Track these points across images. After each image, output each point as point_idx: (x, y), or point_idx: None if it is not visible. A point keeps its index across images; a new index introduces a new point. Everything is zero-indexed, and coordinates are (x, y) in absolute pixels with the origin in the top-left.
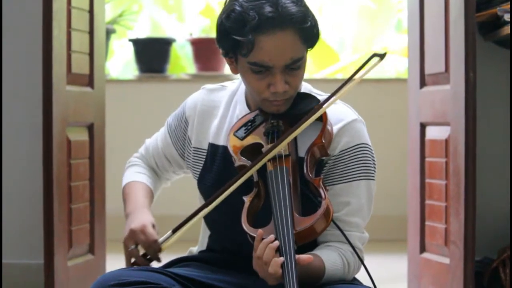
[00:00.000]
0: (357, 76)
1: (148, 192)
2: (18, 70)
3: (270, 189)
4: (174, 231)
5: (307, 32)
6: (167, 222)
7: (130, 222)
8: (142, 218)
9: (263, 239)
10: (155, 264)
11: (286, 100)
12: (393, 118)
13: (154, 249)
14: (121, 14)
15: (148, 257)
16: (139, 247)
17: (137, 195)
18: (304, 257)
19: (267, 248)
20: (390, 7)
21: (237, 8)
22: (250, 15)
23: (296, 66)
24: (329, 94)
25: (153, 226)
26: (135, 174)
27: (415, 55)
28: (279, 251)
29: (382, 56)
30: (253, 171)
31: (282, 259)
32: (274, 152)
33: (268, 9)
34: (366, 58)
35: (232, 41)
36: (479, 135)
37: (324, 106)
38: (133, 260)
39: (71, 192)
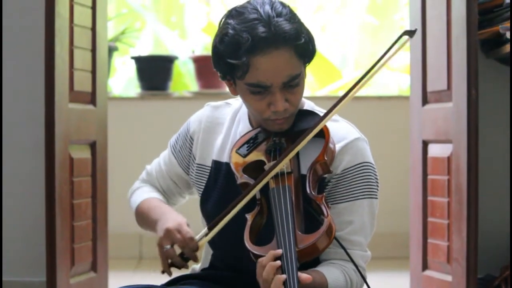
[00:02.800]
0: (386, 57)
1: (166, 203)
2: (20, 88)
3: (272, 206)
4: (210, 228)
5: (302, 48)
6: None
7: (164, 223)
8: (176, 217)
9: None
10: (157, 281)
11: (287, 118)
12: (395, 135)
13: (191, 248)
14: (123, 31)
15: (185, 256)
16: (175, 247)
17: (159, 205)
18: (304, 276)
19: (267, 265)
20: (393, 24)
21: (230, 31)
22: (243, 37)
23: (294, 83)
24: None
25: (188, 224)
26: (147, 193)
27: (418, 72)
28: (281, 269)
29: (412, 33)
30: (256, 191)
31: (284, 276)
32: (277, 169)
33: (261, 29)
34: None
35: (227, 64)
36: (481, 152)
37: (327, 117)
38: (169, 261)
39: (74, 210)
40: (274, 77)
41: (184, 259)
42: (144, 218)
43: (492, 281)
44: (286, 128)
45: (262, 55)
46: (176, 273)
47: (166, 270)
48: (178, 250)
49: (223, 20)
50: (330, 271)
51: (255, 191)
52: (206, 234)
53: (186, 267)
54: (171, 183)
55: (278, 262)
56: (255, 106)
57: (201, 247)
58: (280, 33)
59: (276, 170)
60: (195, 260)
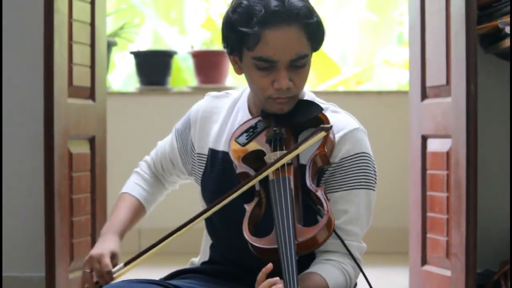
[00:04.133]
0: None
1: (134, 210)
2: (19, 83)
3: (272, 198)
4: (126, 264)
5: (313, 28)
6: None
7: (95, 246)
8: (104, 246)
9: (268, 275)
10: (156, 276)
11: (289, 98)
12: (394, 130)
13: (105, 279)
14: (122, 26)
15: (99, 285)
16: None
17: (118, 215)
18: None
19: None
20: (392, 20)
21: (244, 2)
22: (256, 8)
23: (300, 63)
24: (330, 103)
25: (113, 255)
26: (133, 185)
27: (417, 67)
28: (280, 263)
29: (327, 129)
30: (253, 183)
31: None
32: (277, 166)
33: (274, 3)
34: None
35: (238, 33)
36: (480, 147)
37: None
38: (86, 285)
39: (73, 205)
40: (282, 53)
41: (98, 287)
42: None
43: (491, 276)
44: (286, 111)
45: (273, 29)
46: (174, 267)
47: None
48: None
49: None
50: (329, 272)
51: (246, 188)
52: (122, 269)
53: None
54: (170, 165)
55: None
56: (259, 82)
57: (116, 279)
58: (292, 9)
59: (275, 167)
60: None
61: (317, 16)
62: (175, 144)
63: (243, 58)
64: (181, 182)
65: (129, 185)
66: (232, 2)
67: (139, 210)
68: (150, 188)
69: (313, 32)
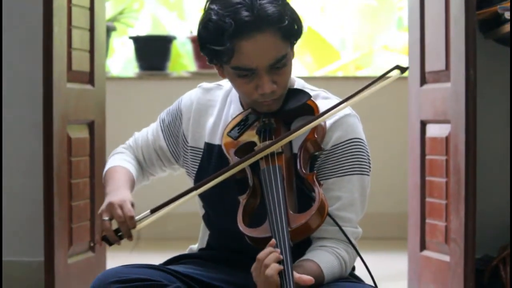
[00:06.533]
0: (373, 88)
1: (131, 178)
2: (18, 68)
3: (264, 187)
4: (153, 211)
5: (287, 30)
6: (169, 218)
7: (111, 197)
8: (123, 194)
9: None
10: (155, 261)
11: (276, 99)
12: (393, 115)
13: (127, 226)
14: (121, 11)
15: (120, 234)
16: (113, 223)
17: (119, 178)
18: (305, 278)
19: (271, 253)
20: (391, 5)
21: (213, 17)
22: (226, 22)
23: (280, 64)
24: (321, 89)
25: (132, 204)
26: (120, 161)
27: (416, 52)
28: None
29: (403, 70)
30: (245, 165)
31: (281, 266)
32: (266, 152)
33: (244, 13)
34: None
35: (212, 50)
36: (479, 132)
37: (325, 116)
38: (104, 233)
39: (72, 190)
40: (259, 60)
41: (118, 236)
42: (104, 185)
43: (490, 262)
44: (275, 109)
45: (247, 39)
46: (173, 253)
47: (97, 241)
48: (115, 226)
49: (206, 5)
50: (323, 258)
51: (239, 168)
52: (148, 216)
53: (118, 243)
54: (153, 154)
55: (281, 256)
56: (243, 89)
57: (139, 228)
58: (263, 16)
59: (263, 154)
60: (129, 238)
61: (290, 16)
62: (161, 134)
63: (223, 67)
64: (159, 176)
65: (116, 161)
66: (202, 15)
67: (132, 180)
68: (136, 166)
69: (288, 33)
